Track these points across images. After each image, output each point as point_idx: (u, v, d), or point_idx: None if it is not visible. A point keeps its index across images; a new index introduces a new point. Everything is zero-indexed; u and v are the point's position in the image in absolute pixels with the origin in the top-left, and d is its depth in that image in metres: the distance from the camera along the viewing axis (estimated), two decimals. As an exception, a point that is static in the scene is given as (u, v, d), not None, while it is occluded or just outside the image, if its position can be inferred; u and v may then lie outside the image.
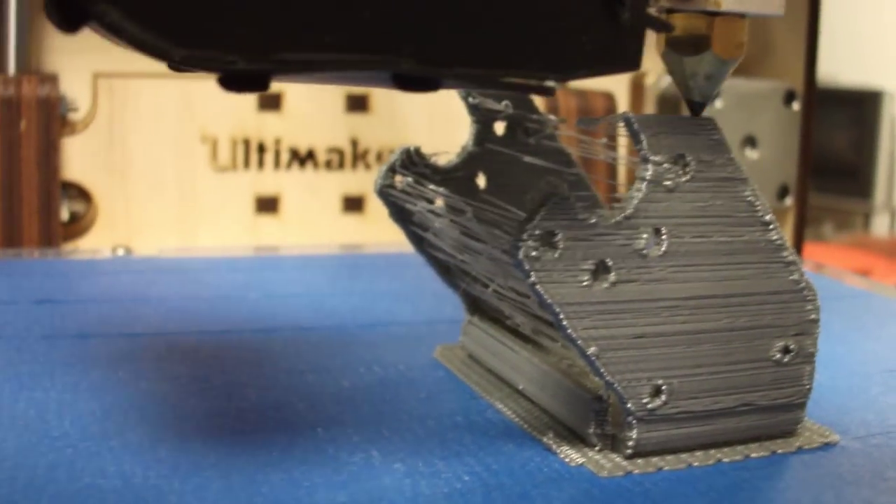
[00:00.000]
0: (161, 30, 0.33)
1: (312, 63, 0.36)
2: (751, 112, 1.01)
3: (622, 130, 0.44)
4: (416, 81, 0.38)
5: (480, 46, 0.38)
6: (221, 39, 0.34)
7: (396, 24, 0.36)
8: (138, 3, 0.33)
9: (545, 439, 0.46)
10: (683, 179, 0.43)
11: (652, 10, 0.42)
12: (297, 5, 0.35)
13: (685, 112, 0.98)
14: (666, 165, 0.42)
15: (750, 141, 1.02)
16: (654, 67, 1.08)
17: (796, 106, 1.02)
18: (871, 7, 3.38)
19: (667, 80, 1.05)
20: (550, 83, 0.41)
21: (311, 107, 0.93)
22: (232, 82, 0.36)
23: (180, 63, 0.34)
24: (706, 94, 0.46)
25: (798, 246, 1.04)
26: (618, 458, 0.44)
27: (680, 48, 0.45)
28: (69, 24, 0.34)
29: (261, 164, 0.92)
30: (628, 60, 0.41)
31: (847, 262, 2.39)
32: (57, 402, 0.49)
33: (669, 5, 0.44)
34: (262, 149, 0.92)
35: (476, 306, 0.57)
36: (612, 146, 0.47)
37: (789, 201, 1.04)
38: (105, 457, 0.43)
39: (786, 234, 1.04)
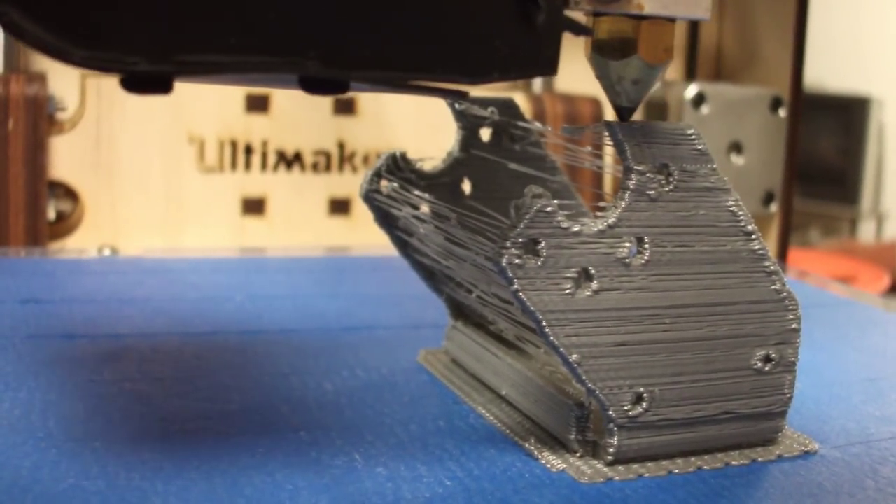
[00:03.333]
0: (61, 31, 0.33)
1: (215, 65, 0.36)
2: (737, 118, 1.02)
3: (607, 139, 0.44)
4: (322, 83, 0.38)
5: (388, 49, 0.37)
6: (123, 41, 0.34)
7: (302, 25, 0.36)
8: (39, 3, 0.32)
9: (527, 445, 0.46)
10: (666, 189, 0.43)
11: (574, 13, 0.41)
12: (200, 7, 0.34)
13: (672, 118, 0.98)
14: (649, 175, 0.43)
15: (736, 147, 1.02)
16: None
17: (783, 112, 1.03)
18: (858, 13, 3.39)
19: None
20: (463, 87, 0.41)
21: (298, 109, 0.93)
22: (134, 84, 0.36)
23: (81, 64, 0.34)
24: (634, 99, 0.45)
25: (783, 252, 1.04)
26: (599, 465, 0.44)
27: (606, 52, 0.44)
28: None
29: (248, 165, 0.92)
30: (545, 65, 0.40)
31: (833, 268, 2.40)
32: (42, 402, 0.49)
33: (592, 8, 0.42)
34: (249, 150, 0.92)
35: (460, 311, 0.57)
36: (598, 154, 0.48)
37: (774, 208, 1.04)
38: (89, 458, 0.43)
39: (771, 240, 1.04)
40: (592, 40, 0.45)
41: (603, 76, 0.45)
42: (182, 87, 0.88)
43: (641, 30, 0.43)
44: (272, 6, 0.35)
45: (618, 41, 0.44)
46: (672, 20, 0.44)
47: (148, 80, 0.36)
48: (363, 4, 0.36)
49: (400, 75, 0.38)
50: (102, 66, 0.34)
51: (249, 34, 0.35)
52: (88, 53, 0.33)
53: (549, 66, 0.40)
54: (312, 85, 0.38)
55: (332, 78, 0.37)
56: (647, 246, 0.43)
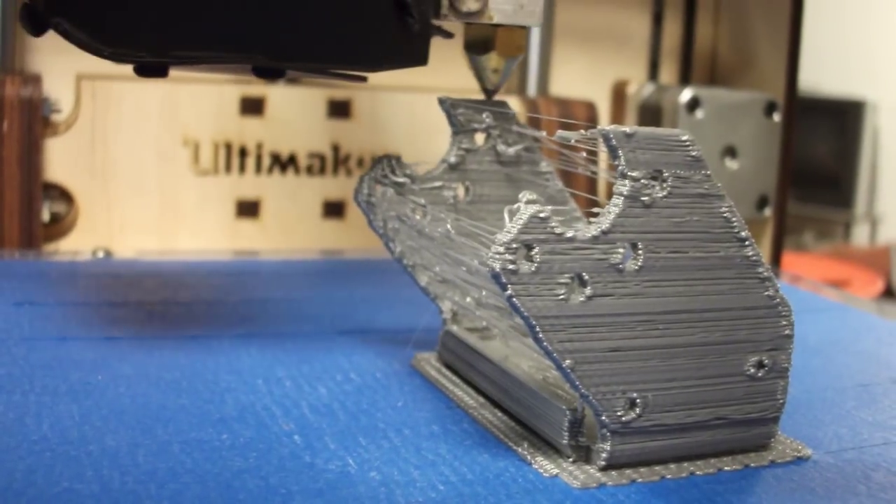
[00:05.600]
0: (97, 35, 0.49)
1: (196, 58, 0.52)
2: (731, 123, 1.02)
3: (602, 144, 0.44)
4: (267, 71, 0.54)
5: (312, 47, 0.53)
6: (135, 41, 0.50)
7: (252, 32, 0.51)
8: (82, 16, 0.48)
9: (520, 450, 0.46)
10: (660, 195, 0.43)
11: (443, 20, 0.55)
12: (186, 19, 0.50)
13: (666, 122, 0.98)
14: (643, 181, 0.43)
15: (730, 151, 1.02)
16: (636, 77, 1.09)
17: (777, 117, 1.03)
18: (854, 17, 3.40)
19: (648, 90, 1.06)
20: (363, 73, 0.56)
21: (293, 112, 0.93)
22: (142, 70, 0.53)
23: (109, 58, 0.50)
24: (495, 83, 0.59)
25: (776, 257, 1.04)
26: (592, 470, 0.44)
27: (473, 49, 0.59)
28: (35, 30, 0.50)
29: (242, 168, 0.92)
30: (419, 58, 0.55)
31: (826, 272, 2.40)
32: (36, 405, 0.49)
33: (455, 20, 0.55)
34: (243, 153, 0.92)
35: (454, 316, 0.57)
36: (593, 159, 0.48)
37: (768, 212, 1.04)
38: (83, 461, 0.43)
39: (765, 244, 1.04)
40: (464, 40, 0.59)
41: (472, 66, 0.59)
42: (177, 90, 0.88)
43: (498, 33, 0.58)
44: (233, 19, 0.51)
45: (481, 41, 0.58)
46: (521, 26, 0.57)
47: (151, 68, 0.53)
48: (295, 18, 0.52)
49: (320, 65, 0.55)
50: (122, 59, 0.51)
51: (219, 37, 0.51)
52: (114, 50, 0.50)
53: (422, 59, 0.55)
54: (260, 73, 0.54)
55: (274, 67, 0.54)
56: (640, 252, 0.43)
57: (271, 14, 0.51)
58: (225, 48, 0.51)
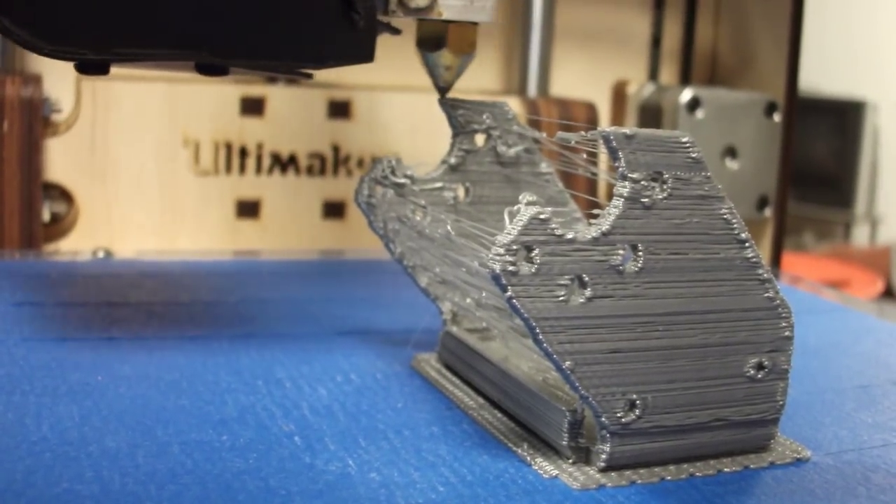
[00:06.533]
0: (37, 32, 0.49)
1: (139, 55, 0.52)
2: (732, 123, 1.02)
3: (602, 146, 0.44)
4: (211, 68, 0.53)
5: (257, 43, 0.53)
6: (77, 38, 0.49)
7: (196, 29, 0.51)
8: (22, 14, 0.48)
9: (520, 451, 0.46)
10: (660, 197, 0.43)
11: (392, 17, 0.55)
12: (128, 17, 0.50)
13: (667, 122, 0.98)
14: (643, 183, 0.43)
15: (730, 152, 1.02)
16: (636, 77, 1.09)
17: (777, 117, 1.03)
18: (854, 17, 3.39)
19: (648, 90, 1.06)
20: (308, 70, 0.57)
21: (293, 112, 0.93)
22: (84, 68, 0.53)
23: (49, 55, 0.49)
24: (448, 80, 0.58)
25: (776, 257, 1.04)
26: (591, 471, 0.44)
27: (425, 46, 0.58)
28: None
29: (242, 168, 0.92)
30: (365, 55, 0.54)
31: (826, 272, 2.40)
32: (36, 405, 0.49)
33: (403, 16, 0.55)
34: (243, 153, 0.92)
35: (454, 317, 0.57)
36: (593, 161, 0.48)
37: (769, 212, 1.04)
38: (83, 462, 0.43)
39: (765, 244, 1.04)
40: (417, 37, 0.58)
41: (425, 64, 0.58)
42: (177, 90, 0.88)
43: (450, 29, 0.56)
44: (176, 16, 0.50)
45: (433, 38, 0.57)
46: (473, 23, 0.57)
47: (93, 65, 0.53)
48: (238, 15, 0.51)
49: (264, 62, 0.55)
50: (63, 56, 0.50)
51: (161, 34, 0.51)
52: (54, 47, 0.49)
53: (368, 56, 0.54)
54: (204, 69, 0.53)
55: (217, 64, 0.53)
56: (640, 253, 0.43)
57: (214, 11, 0.51)
58: (168, 45, 0.51)
